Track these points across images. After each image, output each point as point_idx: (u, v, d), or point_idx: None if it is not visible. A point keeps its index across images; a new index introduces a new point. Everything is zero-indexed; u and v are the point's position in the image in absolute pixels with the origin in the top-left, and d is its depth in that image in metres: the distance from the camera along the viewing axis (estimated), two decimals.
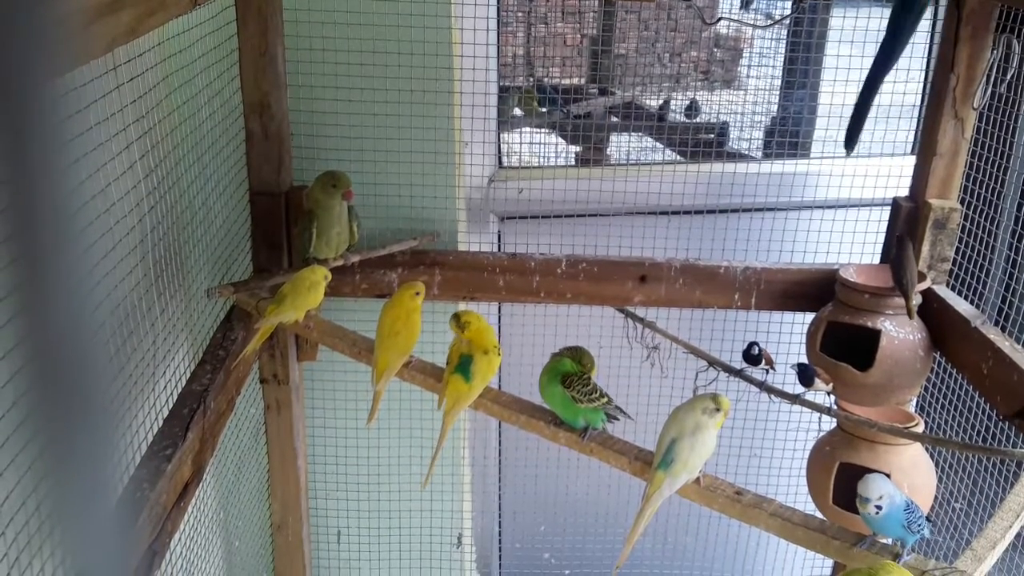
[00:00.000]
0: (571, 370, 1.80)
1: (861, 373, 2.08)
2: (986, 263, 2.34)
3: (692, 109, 3.30)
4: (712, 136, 3.19)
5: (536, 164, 2.91)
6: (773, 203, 2.68)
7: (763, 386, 2.04)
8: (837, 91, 2.57)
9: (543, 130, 3.04)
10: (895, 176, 2.46)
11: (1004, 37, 2.10)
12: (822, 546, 1.64)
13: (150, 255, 1.72)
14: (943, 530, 2.63)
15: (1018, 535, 1.66)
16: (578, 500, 3.01)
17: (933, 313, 2.15)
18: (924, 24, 2.51)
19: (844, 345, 2.15)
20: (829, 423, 2.24)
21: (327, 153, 2.35)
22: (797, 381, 1.97)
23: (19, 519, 1.25)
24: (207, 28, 1.96)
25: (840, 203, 2.67)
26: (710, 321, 2.53)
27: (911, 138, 2.72)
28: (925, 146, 2.27)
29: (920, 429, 2.10)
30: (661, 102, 3.27)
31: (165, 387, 1.81)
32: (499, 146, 2.76)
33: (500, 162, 2.77)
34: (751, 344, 2.02)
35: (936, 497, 2.20)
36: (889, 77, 2.44)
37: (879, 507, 1.54)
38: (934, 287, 2.21)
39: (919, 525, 1.55)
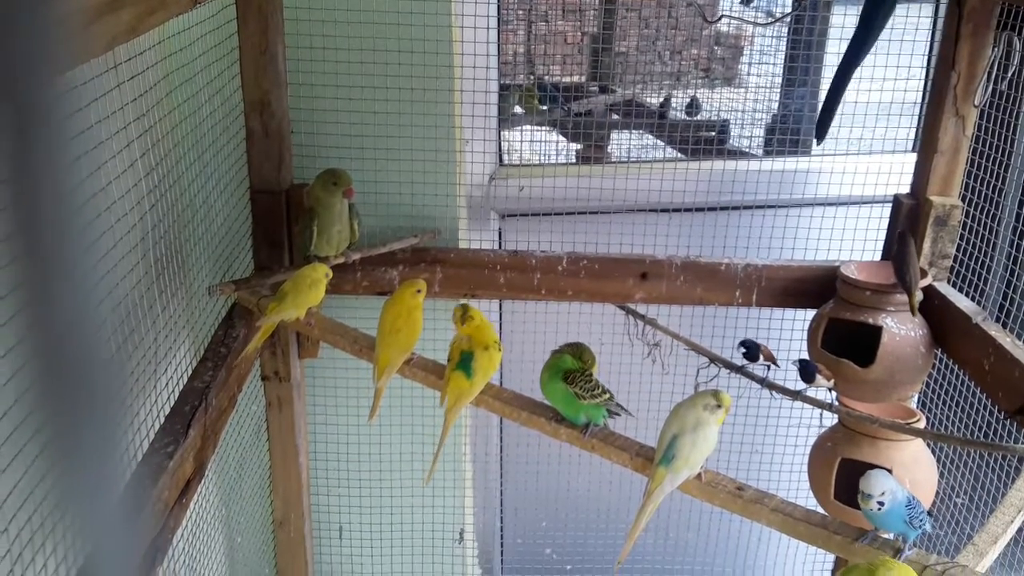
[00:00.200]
0: (572, 367, 1.80)
1: (863, 369, 2.09)
2: (987, 260, 2.34)
3: (693, 107, 3.30)
4: (713, 134, 3.19)
5: (537, 162, 2.91)
6: (774, 200, 2.68)
7: (764, 382, 2.04)
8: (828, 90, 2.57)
9: (544, 128, 3.04)
10: (896, 173, 2.46)
11: (1005, 35, 2.10)
12: (823, 541, 1.64)
13: (151, 253, 1.73)
14: (945, 525, 2.63)
15: (1020, 530, 1.67)
16: (580, 496, 3.01)
17: (934, 310, 2.15)
18: (925, 22, 2.51)
19: (845, 342, 2.16)
20: (830, 419, 2.25)
21: (328, 151, 2.35)
22: (799, 377, 1.97)
23: (21, 516, 1.25)
24: (207, 26, 1.97)
25: (841, 200, 2.67)
26: (711, 318, 2.53)
27: (912, 135, 2.72)
28: (926, 143, 2.27)
29: (921, 425, 2.10)
30: (662, 100, 3.27)
31: (167, 384, 1.81)
32: (500, 144, 2.76)
33: (501, 160, 2.77)
34: (741, 343, 2.02)
35: (938, 492, 2.20)
36: (890, 75, 2.45)
37: (881, 503, 1.54)
38: (935, 284, 2.21)
39: (921, 521, 1.55)
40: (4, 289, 1.10)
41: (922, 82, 2.62)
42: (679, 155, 3.02)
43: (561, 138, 3.04)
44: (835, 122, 2.72)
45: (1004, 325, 2.22)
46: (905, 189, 2.36)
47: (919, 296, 2.07)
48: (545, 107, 3.07)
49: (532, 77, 3.14)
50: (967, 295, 2.23)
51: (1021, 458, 2.10)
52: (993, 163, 2.31)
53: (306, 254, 2.16)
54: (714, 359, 2.13)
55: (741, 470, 2.68)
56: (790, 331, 2.55)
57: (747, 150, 3.12)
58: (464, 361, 1.84)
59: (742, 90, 3.40)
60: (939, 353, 2.23)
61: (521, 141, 2.99)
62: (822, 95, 2.91)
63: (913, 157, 2.36)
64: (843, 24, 2.53)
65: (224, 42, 2.08)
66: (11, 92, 0.34)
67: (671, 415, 1.72)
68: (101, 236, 1.45)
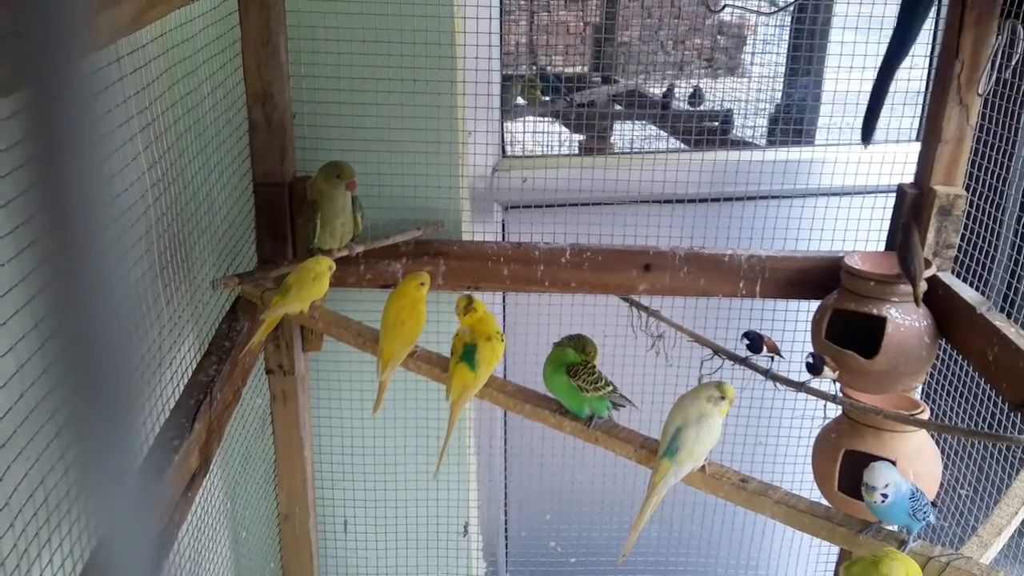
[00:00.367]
0: (575, 359, 1.80)
1: (867, 360, 2.08)
2: (991, 249, 2.34)
3: (696, 97, 3.29)
4: (716, 124, 3.18)
5: (540, 153, 2.91)
6: (778, 191, 2.67)
7: (768, 374, 2.04)
8: (841, 78, 2.56)
9: (546, 119, 3.03)
10: (900, 163, 2.45)
11: (1009, 23, 2.09)
12: (828, 533, 1.64)
13: (155, 247, 1.73)
14: (949, 516, 2.63)
15: None
16: (584, 488, 3.01)
17: (938, 300, 2.15)
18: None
19: (849, 333, 2.15)
20: (834, 410, 2.24)
21: (330, 143, 2.35)
22: (805, 370, 1.97)
23: (27, 511, 1.25)
24: (209, 19, 1.96)
25: (845, 190, 2.66)
26: (715, 309, 2.53)
27: (916, 125, 2.71)
28: (930, 133, 2.26)
29: (925, 416, 2.10)
30: (665, 90, 3.26)
31: (171, 378, 1.81)
32: (502, 135, 2.75)
33: (503, 151, 2.76)
34: (744, 334, 2.01)
35: (942, 484, 2.20)
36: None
37: (885, 495, 1.54)
38: (939, 274, 2.20)
39: (924, 512, 1.55)
40: (8, 284, 1.10)
41: (926, 71, 2.61)
42: (682, 146, 3.02)
43: (564, 129, 3.04)
44: (839, 112, 2.73)
45: (1008, 315, 2.22)
46: (909, 179, 2.36)
47: (923, 286, 2.07)
48: (548, 98, 3.06)
49: (534, 68, 3.13)
50: (971, 285, 2.23)
51: None
52: (997, 152, 2.30)
53: (310, 247, 2.16)
54: (718, 351, 2.13)
55: (745, 462, 2.68)
56: (794, 322, 2.55)
57: (750, 140, 3.12)
58: (468, 353, 1.84)
59: (745, 80, 3.38)
60: (943, 344, 2.23)
61: (524, 132, 2.98)
62: (826, 85, 2.91)
63: (917, 146, 2.35)
64: (846, 13, 2.52)
65: (226, 34, 2.08)
66: (36, 74, 0.34)
67: (675, 407, 1.72)
68: (108, 227, 1.45)
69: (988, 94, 2.19)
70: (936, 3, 2.03)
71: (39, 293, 0.37)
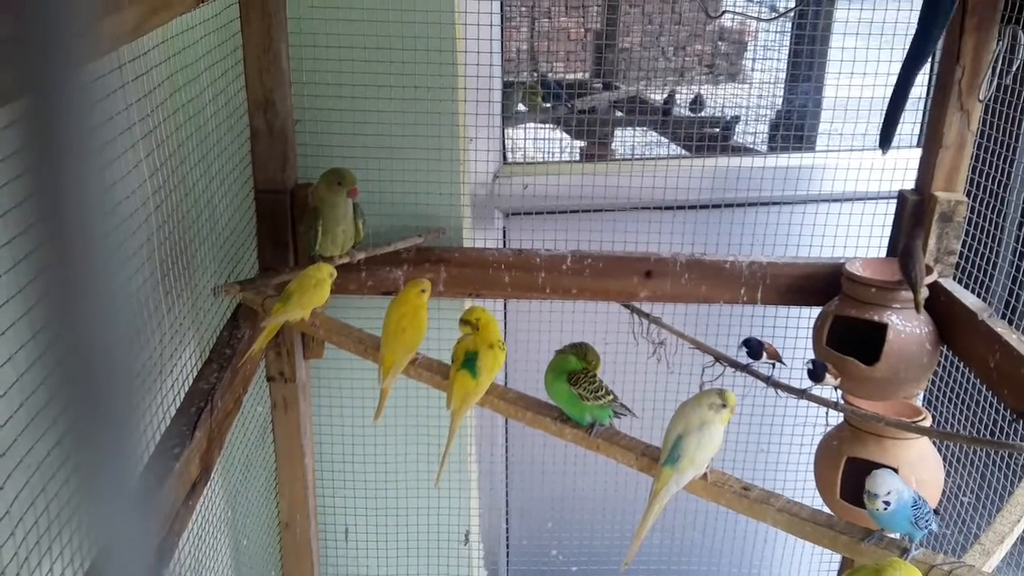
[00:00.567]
0: (576, 367, 1.80)
1: (868, 367, 2.08)
2: (993, 255, 2.33)
3: (697, 104, 3.29)
4: (717, 130, 3.18)
5: (540, 160, 2.91)
6: (778, 197, 2.67)
7: (769, 381, 2.04)
8: (842, 84, 2.56)
9: (547, 125, 3.03)
10: (901, 169, 2.45)
11: (1009, 28, 2.09)
12: (830, 541, 1.64)
13: (156, 254, 1.73)
14: (951, 524, 2.62)
15: None
16: (585, 497, 3.01)
17: (940, 306, 2.15)
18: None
19: (850, 339, 2.15)
20: (836, 418, 2.24)
21: (332, 150, 2.35)
22: (807, 377, 1.96)
23: (28, 519, 1.25)
24: (211, 26, 1.96)
25: (846, 196, 2.66)
26: (716, 316, 2.53)
27: (917, 131, 2.71)
28: (931, 138, 2.26)
29: (927, 423, 2.09)
30: (666, 96, 3.26)
31: (172, 386, 1.81)
32: (503, 142, 2.75)
33: (504, 158, 2.76)
34: (743, 342, 2.01)
35: (944, 491, 2.20)
36: (895, 69, 2.44)
37: (887, 503, 1.54)
38: (941, 280, 2.20)
39: (927, 520, 1.55)
40: (8, 291, 1.10)
41: (926, 77, 2.61)
42: (683, 152, 3.02)
43: (565, 135, 3.04)
44: (839, 118, 2.73)
45: (1010, 322, 2.21)
46: (910, 185, 2.36)
47: (924, 293, 2.07)
48: (548, 104, 3.07)
49: (535, 74, 3.14)
50: (972, 291, 2.23)
51: None
52: (998, 158, 2.30)
53: (311, 254, 2.16)
54: (719, 357, 2.13)
55: (747, 470, 2.68)
56: (795, 329, 2.55)
57: (751, 146, 3.12)
58: (469, 361, 1.84)
59: (746, 86, 3.39)
60: (945, 350, 2.22)
61: (525, 139, 2.99)
62: (826, 91, 2.91)
63: (918, 152, 2.35)
64: (847, 19, 2.52)
65: (227, 41, 2.08)
66: (36, 82, 0.34)
67: (676, 415, 1.71)
68: (108, 236, 1.45)
69: (989, 100, 2.19)
70: (955, 11, 2.02)
71: (38, 302, 0.37)
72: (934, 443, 2.19)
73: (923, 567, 1.51)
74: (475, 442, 2.87)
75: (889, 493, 1.54)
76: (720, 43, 3.67)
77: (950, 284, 2.20)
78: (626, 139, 3.18)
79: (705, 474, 1.70)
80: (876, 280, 2.12)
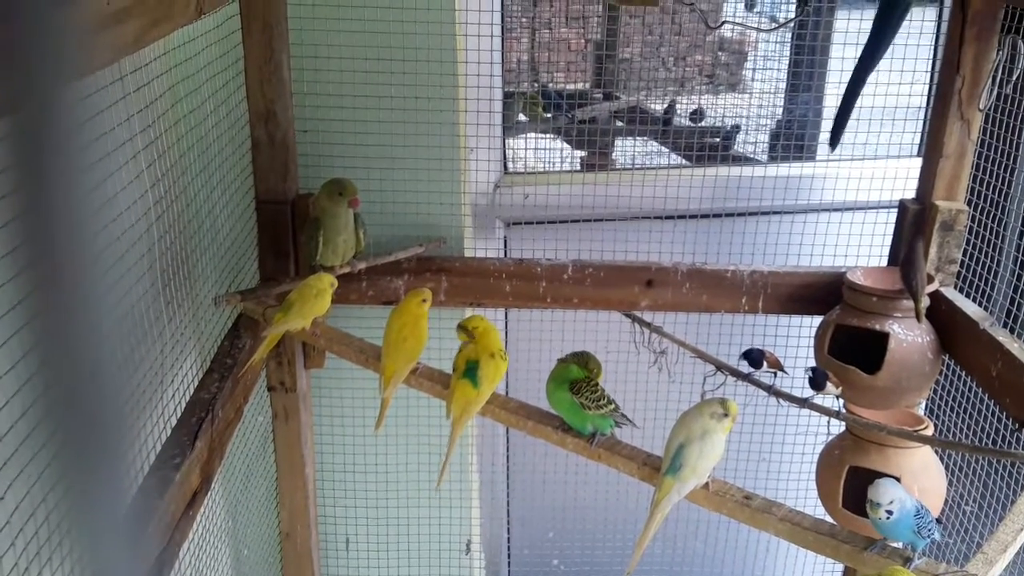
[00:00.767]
0: (578, 376, 1.80)
1: (869, 376, 2.08)
2: (994, 264, 2.33)
3: (697, 114, 3.29)
4: (718, 140, 3.18)
5: (541, 169, 2.91)
6: (779, 207, 2.67)
7: (771, 390, 2.04)
8: (842, 94, 2.56)
9: (548, 135, 3.04)
10: (901, 178, 2.45)
11: (1009, 38, 2.09)
12: (832, 551, 1.63)
13: (157, 264, 1.73)
14: (954, 533, 2.62)
15: None
16: (587, 506, 3.00)
17: (941, 315, 2.14)
18: (929, 25, 2.51)
19: (852, 348, 2.15)
20: (838, 427, 2.24)
21: (333, 160, 2.35)
22: (808, 385, 1.96)
23: (28, 530, 1.25)
24: (212, 37, 1.97)
25: (846, 206, 2.66)
26: (717, 325, 2.53)
27: (917, 140, 2.72)
28: (931, 148, 2.26)
29: (929, 432, 2.09)
30: (666, 106, 3.27)
31: (173, 396, 1.81)
32: (504, 152, 2.76)
33: (505, 168, 2.77)
34: (743, 354, 2.01)
35: (946, 500, 2.19)
36: (895, 79, 2.45)
37: (890, 512, 1.53)
38: (942, 289, 2.20)
39: (930, 530, 1.54)
40: (8, 304, 1.10)
41: (927, 86, 2.61)
42: (683, 162, 3.02)
43: (565, 145, 3.04)
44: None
45: (1012, 331, 2.21)
46: (911, 194, 2.36)
47: (926, 302, 2.07)
48: (549, 114, 3.07)
49: (536, 84, 3.14)
50: (974, 300, 2.23)
51: None
52: (998, 167, 2.30)
53: (312, 264, 2.16)
54: (720, 367, 2.12)
55: (748, 479, 2.66)
56: (796, 338, 2.55)
57: (752, 156, 3.12)
58: (470, 370, 1.84)
59: (746, 96, 3.39)
60: (946, 359, 2.22)
61: (526, 149, 2.99)
62: (827, 100, 2.92)
63: (918, 162, 2.35)
64: (847, 29, 2.53)
65: (229, 52, 2.08)
66: (22, 101, 0.34)
67: (677, 424, 1.71)
68: (108, 248, 1.45)
69: (989, 109, 2.19)
70: (909, 15, 2.04)
71: (30, 321, 0.37)
72: (936, 452, 2.18)
73: None
74: (476, 451, 2.87)
75: (892, 502, 1.54)
76: (720, 53, 3.68)
77: (951, 293, 2.20)
78: (627, 149, 3.18)
79: (707, 483, 1.70)
80: (877, 289, 2.12)
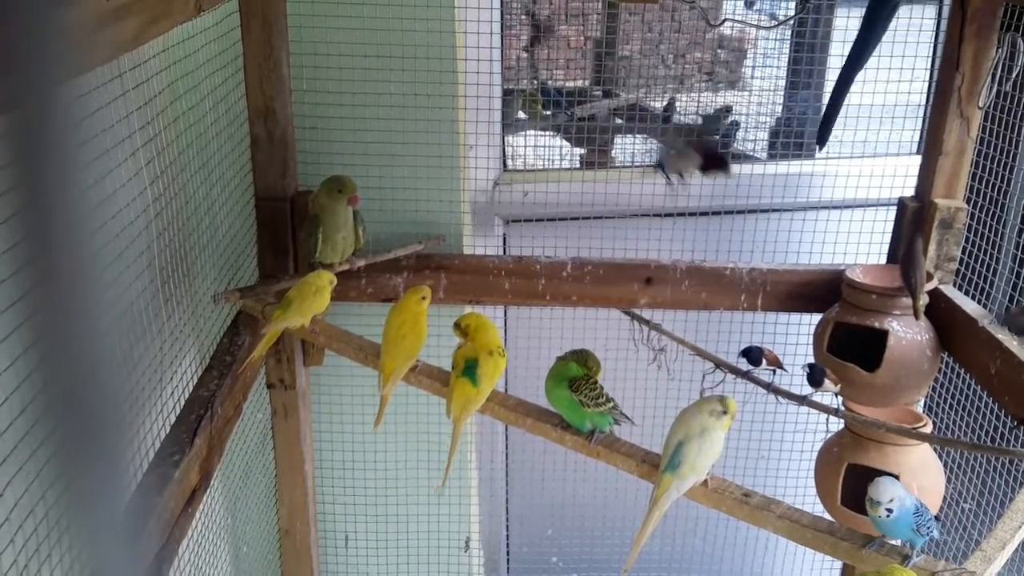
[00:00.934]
0: (577, 374, 1.80)
1: (868, 374, 2.08)
2: (993, 262, 2.34)
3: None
4: (717, 138, 3.18)
5: (541, 167, 2.91)
6: (778, 204, 2.67)
7: (770, 387, 2.04)
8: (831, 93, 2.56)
9: (547, 133, 3.03)
10: (901, 176, 2.45)
11: (1009, 36, 2.09)
12: (831, 548, 1.63)
13: (156, 261, 1.73)
14: (952, 530, 2.62)
15: None
16: (585, 503, 3.00)
17: (940, 313, 2.15)
18: (928, 23, 2.51)
19: (851, 346, 2.15)
20: (837, 424, 2.24)
21: (332, 158, 2.35)
22: (806, 382, 1.96)
23: (28, 526, 1.25)
24: (211, 34, 1.97)
25: (846, 203, 2.66)
26: (716, 323, 2.53)
27: (916, 138, 2.72)
28: (930, 145, 2.26)
29: (928, 429, 2.09)
30: (665, 104, 3.26)
31: (172, 393, 1.81)
32: (503, 149, 2.76)
33: (505, 165, 2.77)
34: (742, 352, 2.01)
35: (945, 497, 2.19)
36: (894, 76, 2.45)
37: (890, 510, 1.54)
38: (941, 287, 2.20)
39: (928, 527, 1.54)
40: (7, 302, 1.10)
41: (926, 84, 2.61)
42: None
43: (565, 143, 3.04)
44: (839, 125, 2.73)
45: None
46: (910, 192, 2.36)
47: (924, 299, 2.07)
48: (548, 112, 3.07)
49: (535, 82, 3.14)
50: (973, 298, 2.23)
51: None
52: (998, 164, 2.30)
53: (311, 261, 2.16)
54: (719, 364, 2.13)
55: (747, 476, 2.67)
56: (796, 335, 2.55)
57: (751, 154, 3.12)
58: (469, 368, 1.84)
59: (746, 93, 3.39)
60: (945, 357, 2.22)
61: (525, 146, 2.99)
62: (826, 98, 2.91)
63: (917, 159, 2.35)
64: (846, 27, 2.53)
65: (228, 50, 2.08)
66: (18, 99, 0.34)
67: (677, 421, 1.71)
68: (106, 244, 1.45)
69: (988, 107, 2.19)
70: (897, 14, 2.05)
71: (28, 319, 0.37)
72: (935, 449, 2.18)
73: (924, 573, 1.51)
74: (475, 449, 2.87)
75: (892, 501, 1.54)
76: (720, 51, 3.68)
77: (950, 291, 2.20)
78: (626, 146, 3.18)
79: (706, 480, 1.70)
80: (876, 287, 2.12)
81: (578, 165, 2.99)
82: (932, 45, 2.57)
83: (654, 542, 2.89)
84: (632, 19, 3.12)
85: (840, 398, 2.06)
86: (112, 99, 1.46)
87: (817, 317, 2.29)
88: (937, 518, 1.64)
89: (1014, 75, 2.10)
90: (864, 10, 2.06)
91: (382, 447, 2.73)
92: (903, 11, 2.39)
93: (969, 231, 2.32)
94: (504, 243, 2.77)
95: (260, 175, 2.23)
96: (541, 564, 3.16)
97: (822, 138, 2.15)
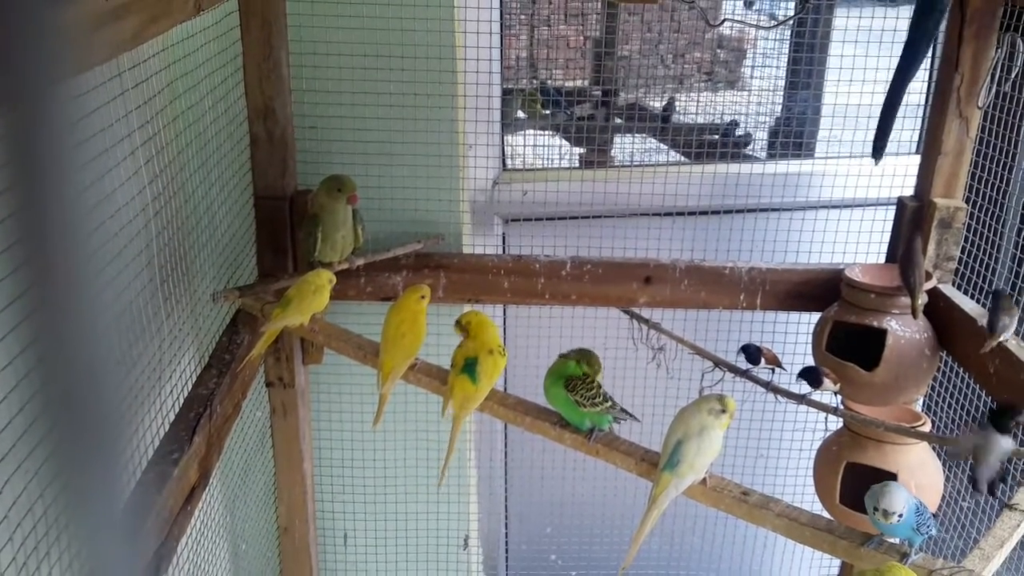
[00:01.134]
0: (575, 373, 1.80)
1: (867, 373, 2.08)
2: (992, 261, 2.34)
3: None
4: (716, 137, 3.18)
5: (540, 166, 2.91)
6: (778, 203, 2.67)
7: (769, 386, 2.04)
8: (841, 91, 2.57)
9: (546, 132, 3.04)
10: (900, 175, 2.45)
11: (1008, 36, 2.09)
12: (829, 546, 1.64)
13: (155, 260, 1.73)
14: (950, 529, 2.62)
15: None
16: (584, 501, 3.00)
17: (939, 312, 2.15)
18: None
19: (850, 345, 2.15)
20: (835, 423, 2.24)
21: (331, 157, 2.36)
22: (805, 382, 1.96)
23: (27, 524, 1.25)
24: (211, 34, 1.97)
25: (845, 203, 2.66)
26: (715, 322, 2.53)
27: (916, 137, 2.72)
28: (930, 145, 2.27)
29: (927, 428, 2.09)
30: (665, 103, 3.26)
31: (171, 391, 1.81)
32: (503, 148, 2.76)
33: (504, 164, 2.77)
34: (741, 349, 2.01)
35: (943, 496, 2.19)
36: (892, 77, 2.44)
37: (900, 515, 1.54)
38: (940, 286, 2.20)
39: (928, 526, 1.55)
40: (6, 300, 1.10)
41: (925, 84, 2.61)
42: (682, 158, 3.02)
43: (564, 142, 3.04)
44: (839, 125, 2.73)
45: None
46: (909, 191, 2.36)
47: (923, 299, 2.07)
48: (548, 111, 3.07)
49: (535, 81, 3.14)
50: (972, 297, 2.23)
51: None
52: (997, 164, 2.30)
53: (310, 260, 2.16)
54: (718, 363, 2.13)
55: (746, 475, 2.67)
56: (795, 334, 2.55)
57: (751, 153, 3.12)
58: (468, 366, 1.84)
59: (745, 93, 3.39)
60: (944, 356, 2.23)
61: (524, 146, 2.99)
62: (825, 98, 2.92)
63: (917, 159, 2.36)
64: (846, 27, 2.53)
65: (228, 49, 2.08)
66: (14, 98, 0.34)
67: (675, 420, 1.71)
68: (106, 243, 1.45)
69: (988, 107, 2.20)
70: (945, 19, 2.04)
71: (25, 319, 0.37)
72: (933, 448, 2.19)
73: (923, 572, 1.51)
74: (474, 447, 2.87)
75: (903, 506, 1.54)
76: (719, 51, 3.68)
77: (949, 290, 2.21)
78: (625, 146, 3.18)
79: (704, 479, 1.70)
80: (875, 286, 2.13)
81: (577, 164, 2.99)
82: (932, 45, 2.57)
83: (653, 540, 2.89)
84: (631, 19, 3.12)
85: (839, 397, 2.07)
86: (111, 98, 1.46)
87: (816, 316, 2.29)
88: (935, 516, 1.64)
89: (1013, 75, 2.10)
90: (911, 18, 2.05)
91: (381, 445, 2.73)
92: (903, 11, 2.39)
93: (968, 231, 2.32)
94: (503, 242, 2.77)
95: (259, 174, 2.24)
96: (540, 562, 3.16)
97: (878, 150, 2.14)
